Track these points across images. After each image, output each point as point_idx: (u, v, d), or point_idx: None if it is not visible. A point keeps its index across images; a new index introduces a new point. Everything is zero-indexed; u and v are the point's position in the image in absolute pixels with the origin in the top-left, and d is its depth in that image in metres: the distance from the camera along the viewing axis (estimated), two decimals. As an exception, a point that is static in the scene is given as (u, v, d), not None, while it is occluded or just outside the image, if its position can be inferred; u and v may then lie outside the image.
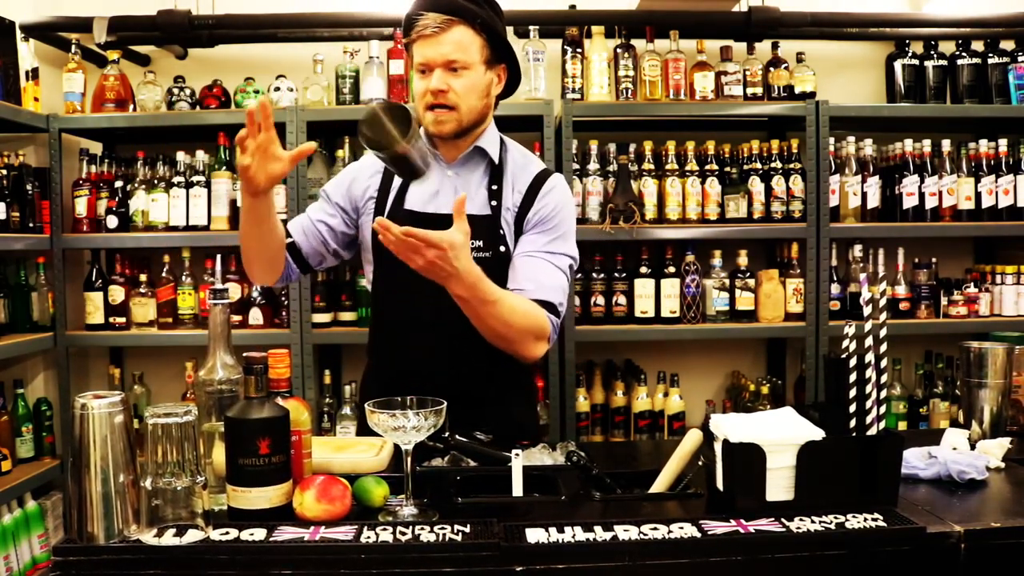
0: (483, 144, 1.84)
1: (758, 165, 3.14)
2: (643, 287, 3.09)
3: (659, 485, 1.56)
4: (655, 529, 1.26)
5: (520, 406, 1.95)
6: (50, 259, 3.14)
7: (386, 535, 1.25)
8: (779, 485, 1.35)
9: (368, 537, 1.24)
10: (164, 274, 3.21)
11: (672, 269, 3.12)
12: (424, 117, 1.76)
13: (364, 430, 1.78)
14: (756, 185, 3.12)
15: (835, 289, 3.15)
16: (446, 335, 1.79)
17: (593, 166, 3.10)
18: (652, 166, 3.14)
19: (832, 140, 3.12)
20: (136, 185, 3.18)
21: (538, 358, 1.80)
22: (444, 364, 1.81)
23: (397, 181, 1.83)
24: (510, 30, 3.09)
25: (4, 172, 2.94)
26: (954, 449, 1.66)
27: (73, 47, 3.15)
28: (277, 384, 1.38)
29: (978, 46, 3.32)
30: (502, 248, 1.81)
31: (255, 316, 3.14)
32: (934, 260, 3.25)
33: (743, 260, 3.13)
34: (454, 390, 1.59)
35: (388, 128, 1.55)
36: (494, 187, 1.83)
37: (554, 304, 1.77)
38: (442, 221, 1.65)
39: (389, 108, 1.58)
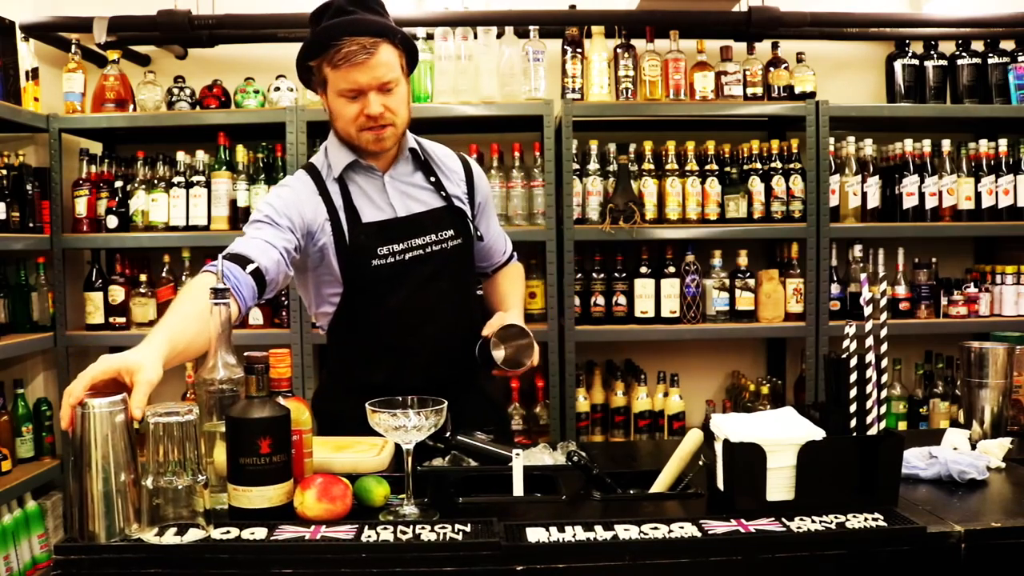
0: (411, 145, 1.91)
1: (758, 165, 3.14)
2: (643, 287, 3.10)
3: (659, 485, 1.56)
4: (655, 529, 1.26)
5: (478, 410, 1.94)
6: (50, 259, 3.14)
7: (387, 534, 1.25)
8: (779, 485, 1.35)
9: (369, 536, 1.24)
10: (164, 274, 3.21)
11: (672, 269, 3.12)
12: (359, 137, 1.79)
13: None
14: (756, 185, 3.12)
15: (835, 289, 3.16)
16: (422, 348, 1.87)
17: (593, 166, 3.10)
18: (652, 166, 3.14)
19: (832, 140, 3.12)
20: (136, 185, 3.18)
21: None
22: (419, 378, 1.80)
23: (339, 200, 1.81)
24: (510, 30, 3.11)
25: (4, 172, 2.94)
26: (954, 449, 1.66)
27: (73, 47, 3.15)
28: (278, 384, 1.38)
29: (978, 46, 3.32)
30: (478, 233, 1.95)
31: (255, 316, 3.14)
32: (934, 260, 3.25)
33: (743, 260, 3.13)
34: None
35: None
36: (432, 179, 1.91)
37: (512, 252, 2.16)
38: (404, 223, 1.83)
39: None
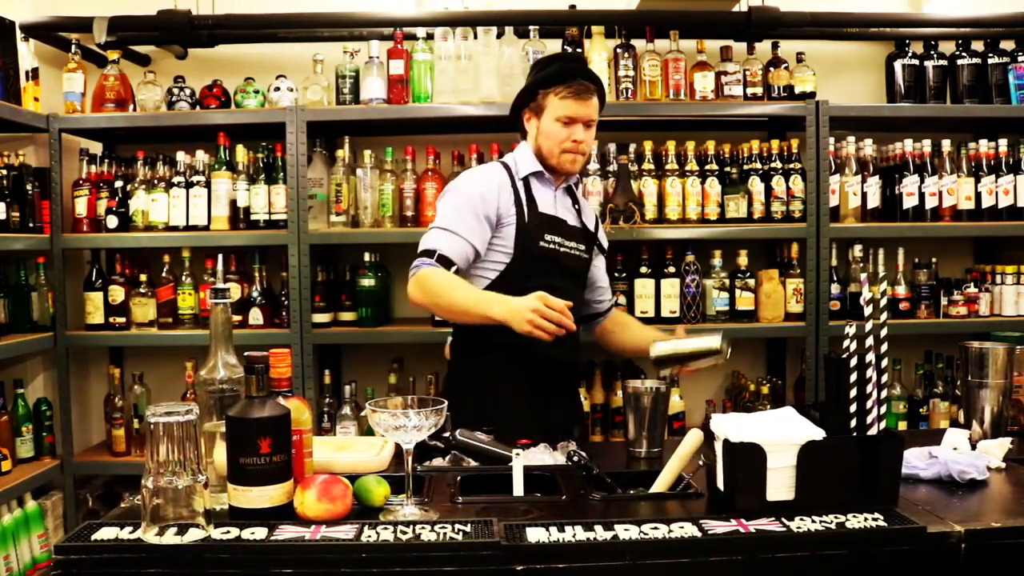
0: (575, 179, 2.39)
1: (758, 165, 3.14)
2: (643, 287, 3.10)
3: (659, 485, 1.56)
4: (655, 529, 1.26)
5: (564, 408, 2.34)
6: (50, 259, 3.14)
7: (387, 534, 1.25)
8: (779, 485, 1.35)
9: (369, 536, 1.24)
10: (164, 274, 3.21)
11: (672, 269, 3.12)
12: (560, 158, 2.22)
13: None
14: (756, 185, 3.12)
15: (835, 289, 3.16)
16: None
17: (593, 166, 3.10)
18: (652, 166, 3.14)
19: (832, 140, 3.12)
20: (136, 185, 3.18)
21: None
22: (541, 354, 2.14)
23: (523, 193, 2.23)
24: (510, 30, 3.11)
25: (4, 172, 2.94)
26: (954, 449, 1.66)
27: (73, 47, 3.15)
28: (278, 384, 1.38)
29: (978, 46, 3.32)
30: (597, 255, 2.45)
31: (255, 316, 3.14)
32: (934, 260, 3.25)
33: (743, 260, 3.13)
34: (548, 375, 2.22)
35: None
36: (577, 208, 2.38)
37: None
38: (563, 223, 2.28)
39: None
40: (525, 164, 2.27)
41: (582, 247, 2.31)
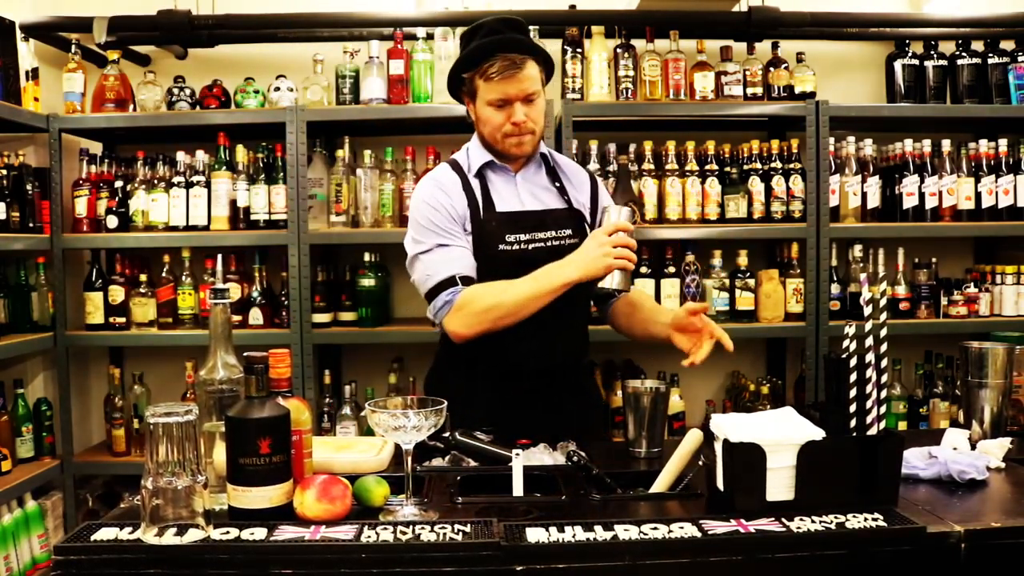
0: (543, 151, 2.12)
1: (758, 165, 3.14)
2: (643, 287, 3.09)
3: (659, 485, 1.56)
4: (655, 529, 1.26)
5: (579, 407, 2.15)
6: (50, 259, 3.14)
7: (386, 535, 1.25)
8: (779, 485, 1.35)
9: (368, 537, 1.24)
10: (164, 274, 3.21)
11: (672, 269, 3.12)
12: (504, 143, 2.00)
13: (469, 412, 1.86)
14: (756, 185, 3.12)
15: (835, 289, 3.16)
16: (536, 333, 1.96)
17: (593, 166, 3.10)
18: (652, 166, 3.14)
19: (832, 140, 3.12)
20: (136, 185, 3.18)
21: None
22: (531, 363, 2.01)
23: (478, 192, 2.03)
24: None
25: (4, 172, 2.94)
26: (954, 449, 1.66)
27: (73, 47, 3.15)
28: (278, 384, 1.38)
29: (978, 46, 3.32)
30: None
31: (255, 316, 3.14)
32: (934, 260, 3.25)
33: (743, 260, 3.13)
34: (544, 381, 2.02)
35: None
36: (557, 184, 2.11)
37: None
38: (531, 216, 2.03)
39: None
40: (476, 156, 2.07)
41: (566, 231, 2.05)
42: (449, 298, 1.92)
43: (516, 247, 1.99)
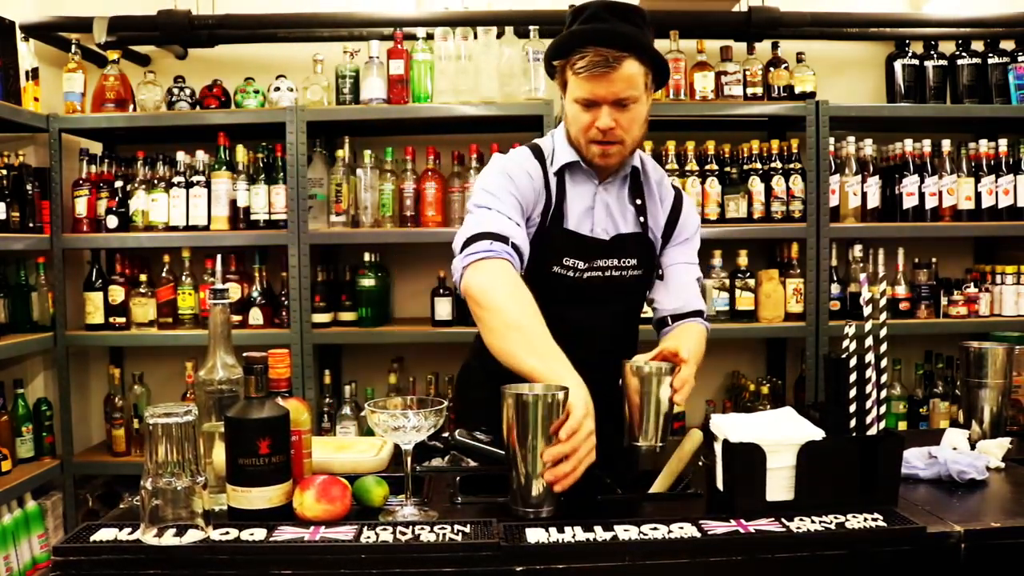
0: (634, 163, 1.84)
1: (758, 165, 3.14)
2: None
3: (659, 485, 1.56)
4: (655, 529, 1.26)
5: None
6: (50, 259, 3.14)
7: (386, 535, 1.24)
8: (779, 485, 1.35)
9: (368, 537, 1.24)
10: (164, 274, 3.21)
11: (672, 269, 3.11)
12: (588, 149, 1.75)
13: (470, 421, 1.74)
14: (756, 185, 3.12)
15: (835, 289, 3.15)
16: (587, 339, 1.73)
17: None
18: (652, 166, 3.14)
19: (832, 140, 3.12)
20: (136, 185, 3.18)
21: None
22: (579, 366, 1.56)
23: (554, 190, 1.79)
24: (510, 30, 3.10)
25: (4, 172, 2.94)
26: (954, 449, 1.66)
27: (73, 47, 3.15)
28: (277, 384, 1.38)
29: (978, 46, 3.32)
30: (659, 270, 1.90)
31: (255, 316, 3.14)
32: (934, 260, 3.25)
33: (743, 260, 3.13)
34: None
35: None
36: (638, 202, 1.85)
37: (702, 310, 1.92)
38: (597, 243, 1.79)
39: None
40: (561, 152, 1.80)
41: (632, 260, 1.83)
42: (494, 250, 1.61)
43: (571, 274, 1.79)
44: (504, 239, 1.64)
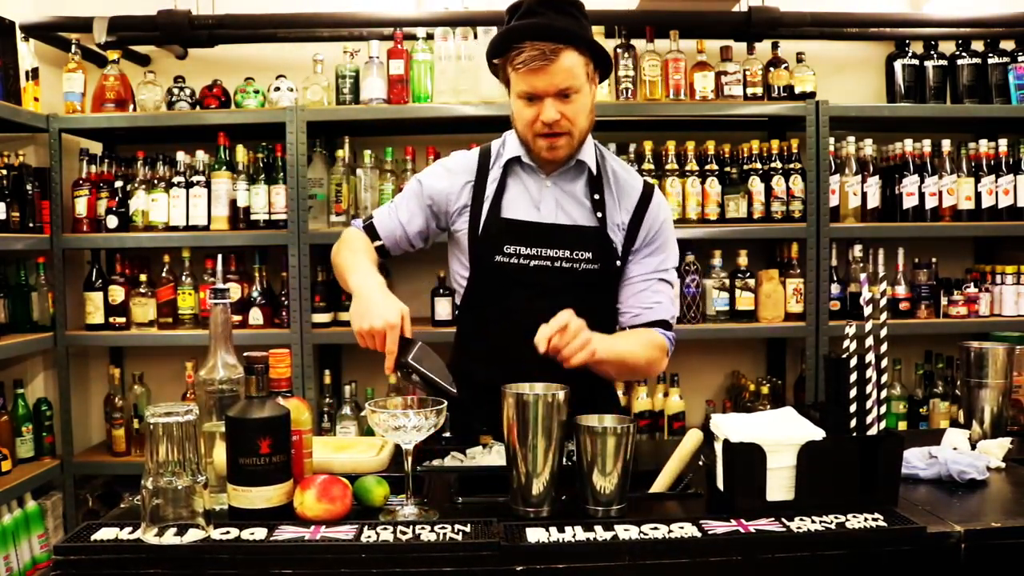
0: (584, 157, 1.84)
1: (758, 165, 3.14)
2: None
3: (659, 485, 1.56)
4: (655, 529, 1.26)
5: (607, 408, 1.74)
6: (50, 259, 3.14)
7: (386, 535, 1.24)
8: (779, 485, 1.35)
9: (368, 536, 1.24)
10: (164, 274, 3.21)
11: (672, 269, 3.12)
12: (534, 144, 1.78)
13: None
14: (756, 185, 3.12)
15: (835, 289, 3.16)
16: (531, 356, 1.61)
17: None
18: (652, 166, 3.14)
19: (832, 140, 3.12)
20: (136, 185, 3.18)
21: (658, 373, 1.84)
22: (537, 363, 1.60)
23: (490, 190, 1.85)
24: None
25: (4, 172, 2.94)
26: (954, 449, 1.66)
27: (73, 47, 3.15)
28: (278, 384, 1.38)
29: (978, 46, 3.32)
30: (617, 263, 1.85)
31: (255, 316, 3.14)
32: (934, 260, 3.25)
33: (743, 260, 3.13)
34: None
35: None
36: (596, 197, 1.84)
37: (667, 320, 1.87)
38: (542, 229, 1.80)
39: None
40: (510, 148, 1.86)
41: (586, 253, 1.81)
42: (353, 223, 2.00)
43: (514, 260, 1.81)
44: (368, 218, 1.96)
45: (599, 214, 1.83)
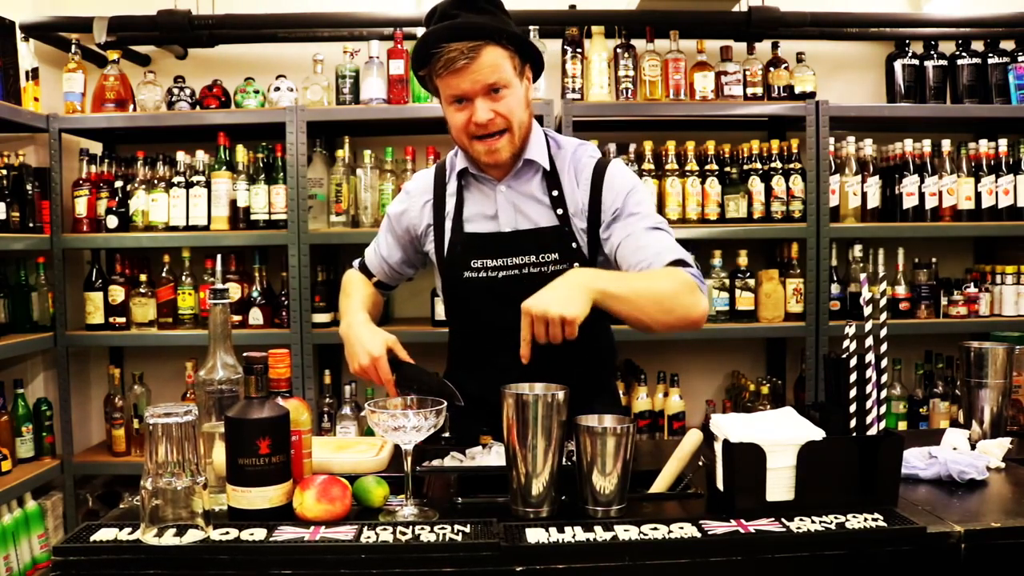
0: (531, 155, 1.76)
1: (758, 165, 3.14)
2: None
3: (659, 485, 1.56)
4: (655, 529, 1.26)
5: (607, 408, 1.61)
6: (50, 259, 3.14)
7: (386, 535, 1.24)
8: (779, 485, 1.35)
9: (368, 537, 1.24)
10: (164, 274, 3.21)
11: (672, 269, 3.11)
12: (472, 148, 1.71)
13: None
14: (756, 185, 3.12)
15: (835, 289, 3.16)
16: (514, 367, 1.56)
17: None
18: (652, 166, 3.14)
19: (832, 140, 3.12)
20: (136, 185, 3.18)
21: (704, 316, 1.64)
22: (524, 372, 1.54)
23: (450, 205, 1.81)
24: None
25: (4, 172, 2.94)
26: (954, 449, 1.66)
27: (73, 47, 3.15)
28: (277, 384, 1.38)
29: (978, 46, 3.32)
30: (586, 257, 1.77)
31: (255, 316, 3.14)
32: (934, 260, 3.25)
33: (743, 260, 3.13)
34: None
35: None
36: (554, 193, 1.77)
37: (681, 259, 1.66)
38: (503, 239, 1.76)
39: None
40: (459, 162, 1.81)
41: (552, 255, 1.75)
42: (353, 263, 2.05)
43: (483, 274, 1.76)
44: (362, 263, 2.02)
45: (559, 211, 1.76)
